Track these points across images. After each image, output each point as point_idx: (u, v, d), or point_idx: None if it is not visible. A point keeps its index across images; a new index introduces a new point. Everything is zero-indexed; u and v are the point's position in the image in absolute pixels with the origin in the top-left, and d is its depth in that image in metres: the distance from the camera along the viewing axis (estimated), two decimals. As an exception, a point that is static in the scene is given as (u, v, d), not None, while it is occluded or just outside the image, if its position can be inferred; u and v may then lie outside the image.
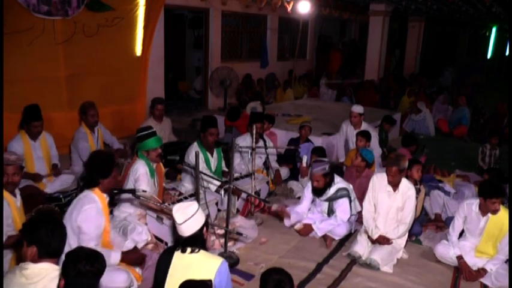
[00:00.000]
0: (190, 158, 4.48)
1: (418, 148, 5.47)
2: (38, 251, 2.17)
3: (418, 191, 4.04)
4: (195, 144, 4.58)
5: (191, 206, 2.39)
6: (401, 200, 3.82)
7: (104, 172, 2.95)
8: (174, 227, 2.48)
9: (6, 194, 3.11)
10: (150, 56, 7.58)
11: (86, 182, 2.99)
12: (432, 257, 3.90)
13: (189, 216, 2.34)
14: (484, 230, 3.65)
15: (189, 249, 2.38)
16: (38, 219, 2.28)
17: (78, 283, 2.03)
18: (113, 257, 2.93)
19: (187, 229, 2.35)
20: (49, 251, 2.21)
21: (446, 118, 9.31)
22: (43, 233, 2.17)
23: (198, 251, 2.39)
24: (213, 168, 4.61)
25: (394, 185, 3.82)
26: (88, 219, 2.83)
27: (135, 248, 3.37)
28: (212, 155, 4.62)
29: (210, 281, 2.29)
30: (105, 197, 2.98)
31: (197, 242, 2.40)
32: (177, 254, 2.40)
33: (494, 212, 3.57)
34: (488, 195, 3.51)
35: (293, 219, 4.27)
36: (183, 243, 2.39)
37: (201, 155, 4.46)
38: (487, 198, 3.52)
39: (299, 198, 4.88)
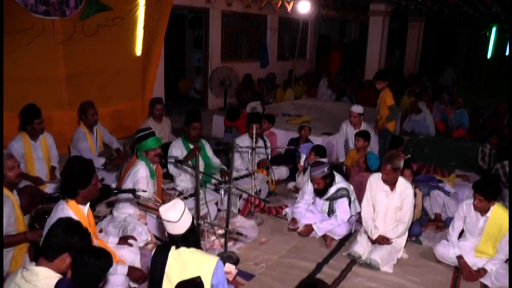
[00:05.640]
0: (174, 152, 4.56)
1: (405, 148, 5.48)
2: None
3: (414, 195, 4.02)
4: (179, 139, 4.66)
5: (177, 202, 2.38)
6: (399, 199, 3.82)
7: (82, 182, 2.74)
8: (163, 229, 2.46)
9: (8, 193, 3.11)
10: (158, 57, 7.69)
11: (64, 193, 2.78)
12: (432, 257, 3.90)
13: (182, 212, 2.33)
14: (483, 229, 3.64)
15: (184, 248, 2.37)
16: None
17: (83, 273, 2.15)
18: (120, 270, 2.93)
19: (184, 225, 2.34)
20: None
21: (444, 119, 9.29)
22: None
23: (193, 247, 2.38)
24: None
25: (390, 184, 3.81)
26: None
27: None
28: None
29: (199, 277, 2.29)
30: (83, 209, 2.80)
31: (194, 235, 2.40)
32: (172, 254, 2.38)
33: (475, 208, 3.60)
34: (476, 189, 3.55)
35: (300, 224, 4.27)
36: (182, 240, 2.36)
37: (179, 151, 4.53)
38: (475, 192, 3.56)
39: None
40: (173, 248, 2.39)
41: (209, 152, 4.83)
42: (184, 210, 2.35)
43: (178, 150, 4.57)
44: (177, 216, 2.32)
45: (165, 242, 2.58)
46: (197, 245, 2.44)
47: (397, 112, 6.24)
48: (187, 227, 2.36)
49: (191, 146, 4.60)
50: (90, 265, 2.15)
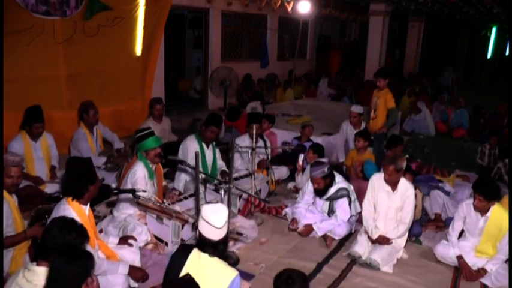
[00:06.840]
0: (184, 151, 4.59)
1: (405, 148, 5.42)
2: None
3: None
4: (193, 135, 4.71)
5: (224, 209, 2.27)
6: (400, 200, 3.82)
7: (91, 179, 2.80)
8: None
9: (6, 194, 3.11)
10: (156, 57, 7.69)
11: (71, 194, 2.76)
12: (432, 257, 3.90)
13: (226, 220, 2.24)
14: (483, 230, 3.64)
15: (206, 254, 2.27)
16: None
17: (57, 281, 1.92)
18: (121, 270, 2.94)
19: (222, 233, 2.25)
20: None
21: (445, 119, 9.28)
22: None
23: (216, 256, 2.29)
24: (209, 161, 4.70)
25: (392, 184, 3.81)
26: None
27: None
28: (208, 147, 4.74)
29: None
30: (84, 209, 2.81)
31: (223, 247, 2.31)
32: (193, 256, 2.27)
33: (475, 208, 3.59)
34: (475, 189, 3.55)
35: (300, 224, 4.27)
36: (212, 246, 2.26)
37: (197, 147, 4.56)
38: (475, 192, 3.55)
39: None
40: (195, 250, 2.29)
41: (217, 153, 4.91)
42: (227, 218, 2.27)
43: (193, 143, 4.64)
44: (221, 222, 2.21)
45: (188, 244, 2.50)
46: (221, 257, 2.33)
47: (397, 115, 6.03)
48: (222, 236, 2.27)
49: (204, 145, 4.67)
50: (62, 271, 1.90)
